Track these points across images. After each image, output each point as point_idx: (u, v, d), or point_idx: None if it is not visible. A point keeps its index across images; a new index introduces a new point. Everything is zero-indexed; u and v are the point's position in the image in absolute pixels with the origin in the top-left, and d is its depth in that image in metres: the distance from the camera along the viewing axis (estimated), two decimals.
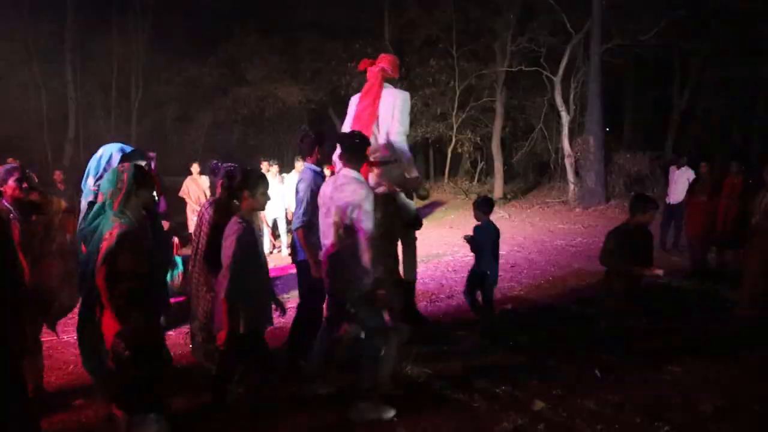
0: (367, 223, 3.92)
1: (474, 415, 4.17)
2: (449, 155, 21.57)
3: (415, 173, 5.34)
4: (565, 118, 18.12)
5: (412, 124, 20.51)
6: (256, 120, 20.21)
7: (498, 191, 19.47)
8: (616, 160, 18.05)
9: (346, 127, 5.16)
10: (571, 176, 18.02)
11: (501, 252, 7.91)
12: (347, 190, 4.02)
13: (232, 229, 3.75)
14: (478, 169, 22.40)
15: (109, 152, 4.50)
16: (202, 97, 19.65)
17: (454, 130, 20.47)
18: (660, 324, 6.12)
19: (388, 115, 5.12)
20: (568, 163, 18.13)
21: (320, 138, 5.01)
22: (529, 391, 4.55)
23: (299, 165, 10.94)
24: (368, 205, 3.94)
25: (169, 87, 19.69)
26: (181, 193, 10.96)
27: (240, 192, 3.89)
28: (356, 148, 4.19)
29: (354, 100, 5.37)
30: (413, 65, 20.65)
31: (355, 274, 3.96)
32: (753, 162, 16.06)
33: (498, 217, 15.41)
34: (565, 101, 18.25)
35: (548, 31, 18.18)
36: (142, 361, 3.38)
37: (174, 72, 19.32)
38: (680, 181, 10.13)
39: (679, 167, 10.37)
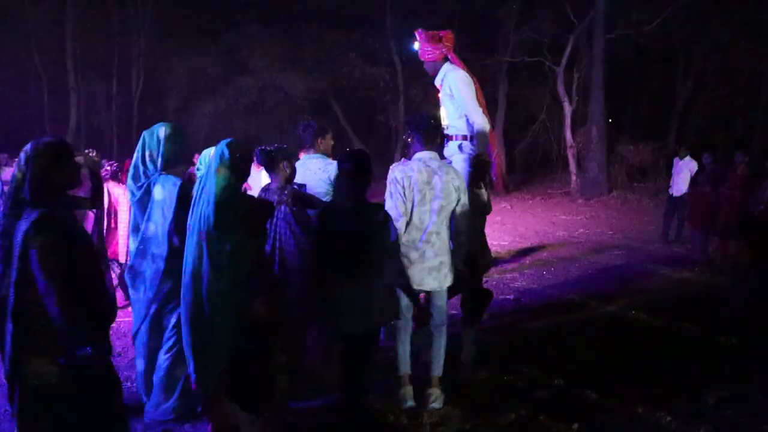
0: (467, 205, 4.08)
1: (477, 406, 4.17)
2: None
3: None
4: (568, 109, 18.06)
5: (413, 113, 20.57)
6: (258, 109, 20.17)
7: (500, 182, 19.43)
8: (619, 151, 18.02)
9: (476, 104, 4.95)
10: (573, 167, 17.98)
11: (503, 243, 7.93)
12: (451, 173, 4.01)
13: None
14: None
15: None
16: (203, 86, 19.60)
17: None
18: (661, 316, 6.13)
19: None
20: (570, 153, 18.09)
21: (322, 128, 4.96)
22: (531, 381, 4.55)
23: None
24: (465, 188, 4.08)
25: (171, 76, 19.64)
26: None
27: None
28: (433, 131, 4.13)
29: (467, 78, 5.01)
30: (414, 54, 20.54)
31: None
32: (756, 152, 16.01)
33: (500, 207, 15.40)
34: (568, 92, 18.18)
35: (551, 21, 18.07)
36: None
37: (175, 61, 19.25)
38: (683, 173, 10.08)
39: (682, 157, 10.32)
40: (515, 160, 21.79)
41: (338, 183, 3.78)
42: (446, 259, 4.03)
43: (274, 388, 3.24)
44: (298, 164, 4.38)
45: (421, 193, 3.91)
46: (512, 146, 21.47)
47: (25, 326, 2.66)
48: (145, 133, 3.99)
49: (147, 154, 3.91)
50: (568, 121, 18.11)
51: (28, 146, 2.73)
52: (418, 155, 4.04)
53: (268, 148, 4.12)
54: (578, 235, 11.36)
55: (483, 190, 4.91)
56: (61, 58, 18.34)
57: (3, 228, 2.71)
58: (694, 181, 9.46)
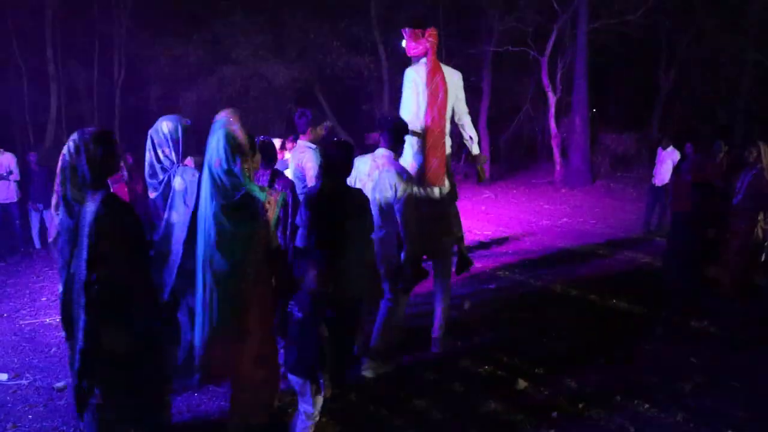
0: (402, 202, 4.24)
1: (458, 397, 4.20)
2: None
3: (478, 150, 5.43)
4: (552, 99, 18.09)
5: (397, 103, 20.50)
6: (242, 99, 19.99)
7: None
8: (602, 141, 18.10)
9: (410, 103, 4.99)
10: (557, 156, 18.05)
11: (487, 232, 7.96)
12: (391, 170, 4.30)
13: None
14: (465, 150, 22.36)
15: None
16: (186, 75, 19.38)
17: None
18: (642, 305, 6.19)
19: (453, 95, 5.08)
20: (554, 143, 18.15)
21: (318, 116, 5.15)
22: (512, 370, 4.59)
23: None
24: (402, 186, 4.24)
25: (153, 65, 19.40)
26: None
27: None
28: (399, 133, 4.45)
29: (415, 75, 5.03)
30: (399, 44, 20.47)
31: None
32: (737, 142, 16.15)
33: (484, 197, 15.46)
34: (552, 81, 18.20)
35: (535, 10, 18.06)
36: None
37: (157, 50, 19.02)
38: (666, 163, 10.16)
39: (665, 147, 10.40)
40: (499, 149, 21.82)
41: (324, 168, 3.99)
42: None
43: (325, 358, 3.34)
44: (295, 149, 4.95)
45: (362, 183, 4.45)
46: (496, 135, 21.49)
47: (97, 299, 2.92)
48: (152, 132, 4.17)
49: (159, 152, 4.09)
50: (552, 111, 18.15)
51: (75, 135, 3.04)
52: (377, 151, 4.50)
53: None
54: (561, 225, 11.42)
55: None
56: (41, 47, 18.06)
57: (67, 210, 3.00)
58: (676, 170, 9.52)
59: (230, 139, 3.26)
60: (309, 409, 3.31)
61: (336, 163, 3.88)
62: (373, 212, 4.14)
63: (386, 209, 4.29)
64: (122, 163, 10.83)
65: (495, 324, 5.69)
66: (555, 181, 17.66)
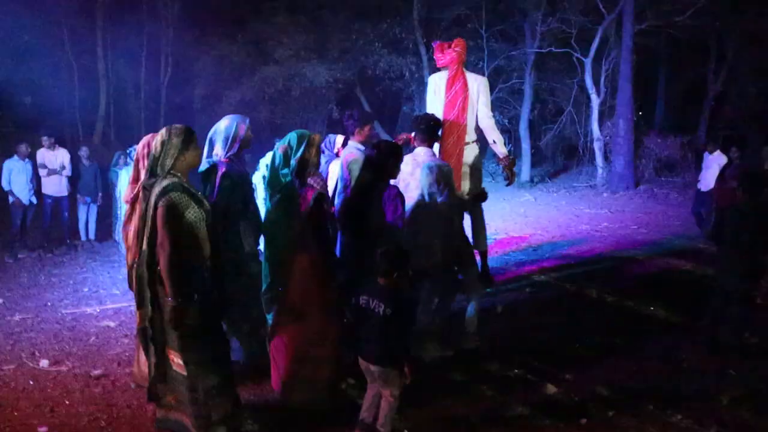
0: (444, 196, 4.44)
1: (485, 399, 4.17)
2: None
3: (505, 151, 5.62)
4: (595, 101, 17.78)
5: None
6: (284, 99, 20.21)
7: (525, 174, 19.25)
8: (647, 144, 17.70)
9: (433, 109, 5.35)
10: (599, 160, 17.73)
11: (525, 235, 7.91)
12: (434, 168, 4.45)
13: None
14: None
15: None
16: (230, 75, 19.70)
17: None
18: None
19: (474, 99, 5.39)
20: (596, 146, 17.83)
21: (366, 117, 5.25)
22: (542, 375, 4.54)
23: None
24: (449, 180, 4.46)
25: (198, 65, 19.79)
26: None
27: None
28: (432, 130, 4.69)
29: (437, 82, 5.49)
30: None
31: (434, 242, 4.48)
32: None
33: (524, 200, 15.30)
34: (596, 83, 17.88)
35: (579, 11, 17.78)
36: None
37: (202, 50, 19.39)
38: (712, 167, 9.85)
39: (711, 152, 10.09)
40: (541, 151, 21.56)
41: (364, 165, 4.26)
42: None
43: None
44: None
45: (405, 182, 4.58)
46: (538, 138, 21.25)
47: (154, 281, 3.30)
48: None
49: (208, 145, 4.45)
50: (595, 114, 17.84)
51: (163, 130, 3.42)
52: (415, 150, 4.71)
53: None
54: (601, 229, 11.21)
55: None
56: (92, 46, 18.60)
57: (142, 196, 3.40)
58: (721, 175, 9.25)
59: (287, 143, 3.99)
60: (395, 391, 3.50)
61: (374, 161, 4.15)
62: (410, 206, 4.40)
63: (428, 205, 4.44)
64: None
65: (527, 327, 5.64)
66: (597, 185, 17.34)
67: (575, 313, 6.14)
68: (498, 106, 20.55)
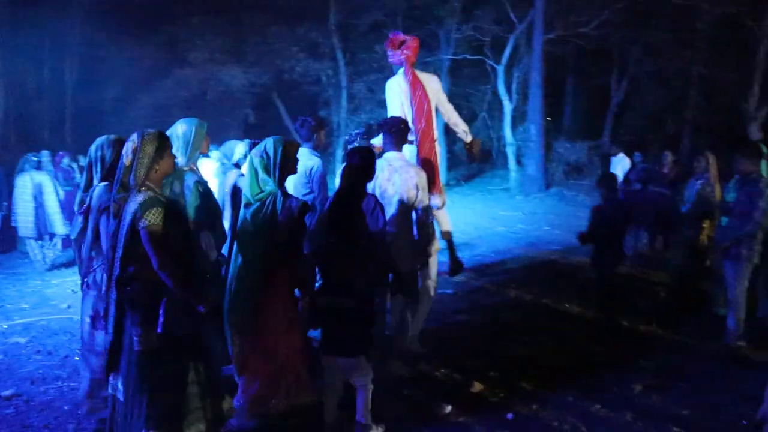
0: (426, 200, 4.55)
1: (413, 399, 4.23)
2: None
3: (471, 137, 5.81)
4: (508, 107, 18.40)
5: (356, 110, 20.45)
6: (199, 103, 19.73)
7: (441, 177, 19.62)
8: (557, 149, 18.48)
9: (397, 114, 5.22)
10: (512, 164, 18.35)
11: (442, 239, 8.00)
12: (410, 171, 4.50)
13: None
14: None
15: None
16: (142, 77, 19.05)
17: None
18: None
19: (434, 100, 5.42)
20: (509, 150, 18.45)
21: (321, 122, 5.10)
22: (467, 373, 4.65)
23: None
24: (425, 184, 4.53)
25: (107, 66, 19.00)
26: None
27: None
28: (403, 133, 4.66)
29: (398, 87, 5.34)
30: (358, 50, 20.56)
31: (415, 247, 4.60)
32: (685, 152, 16.71)
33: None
34: (508, 90, 18.51)
35: (492, 20, 18.36)
36: None
37: (112, 51, 18.64)
38: (616, 170, 10.43)
39: (615, 155, 10.67)
40: (456, 156, 22.05)
41: (344, 173, 4.07)
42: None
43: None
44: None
45: (381, 188, 4.46)
46: (453, 142, 21.72)
47: (128, 297, 3.06)
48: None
49: None
50: (508, 119, 18.46)
51: (134, 136, 3.13)
52: (386, 155, 4.59)
53: None
54: (517, 231, 11.62)
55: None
56: None
57: (113, 210, 3.13)
58: (626, 179, 9.78)
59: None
60: (369, 376, 3.68)
61: (357, 168, 4.00)
62: (391, 213, 4.41)
63: (405, 210, 4.48)
64: (74, 165, 10.59)
65: (450, 327, 5.76)
66: (510, 187, 17.94)
67: (496, 312, 6.33)
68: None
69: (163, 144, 3.19)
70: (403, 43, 5.34)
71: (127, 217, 3.03)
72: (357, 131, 5.08)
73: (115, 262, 3.08)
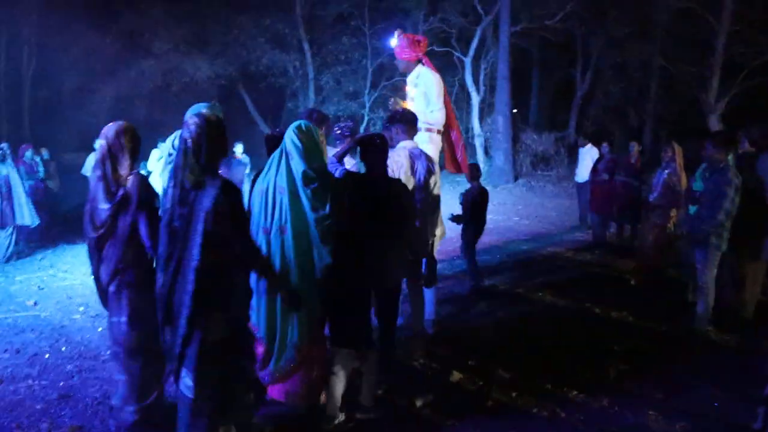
0: (437, 188, 4.83)
1: (393, 390, 4.24)
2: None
3: None
4: (475, 99, 18.53)
5: (323, 102, 20.34)
6: (162, 95, 19.40)
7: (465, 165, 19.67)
8: (524, 140, 18.68)
9: (422, 103, 5.61)
10: (480, 155, 18.49)
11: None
12: (429, 159, 4.80)
13: None
14: None
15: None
16: (103, 68, 18.62)
17: (367, 108, 20.48)
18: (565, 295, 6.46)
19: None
20: (477, 142, 18.58)
21: (323, 116, 5.12)
22: (445, 363, 4.68)
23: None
24: (435, 175, 4.80)
25: (67, 57, 18.50)
26: (83, 171, 10.40)
27: None
28: (415, 124, 4.93)
29: (428, 79, 5.61)
30: (325, 42, 20.45)
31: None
32: (647, 142, 17.07)
33: None
34: (476, 82, 18.64)
35: (459, 12, 18.44)
36: None
37: (71, 41, 18.16)
38: (585, 161, 10.54)
39: (583, 146, 10.79)
40: None
41: (365, 158, 4.02)
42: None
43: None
44: None
45: (406, 176, 4.60)
46: None
47: (206, 286, 2.95)
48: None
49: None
50: (475, 111, 18.59)
51: (196, 119, 3.00)
52: (402, 144, 4.76)
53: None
54: (486, 221, 11.67)
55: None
56: None
57: (180, 198, 2.98)
58: (594, 169, 9.92)
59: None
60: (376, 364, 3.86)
61: (380, 150, 4.04)
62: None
63: (425, 196, 4.70)
64: (37, 159, 10.31)
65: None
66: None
67: (470, 302, 6.38)
68: (381, 103, 20.88)
69: (224, 127, 3.13)
70: (419, 42, 5.75)
71: (205, 204, 2.93)
72: (344, 124, 5.05)
73: (192, 252, 2.94)
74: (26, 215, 8.67)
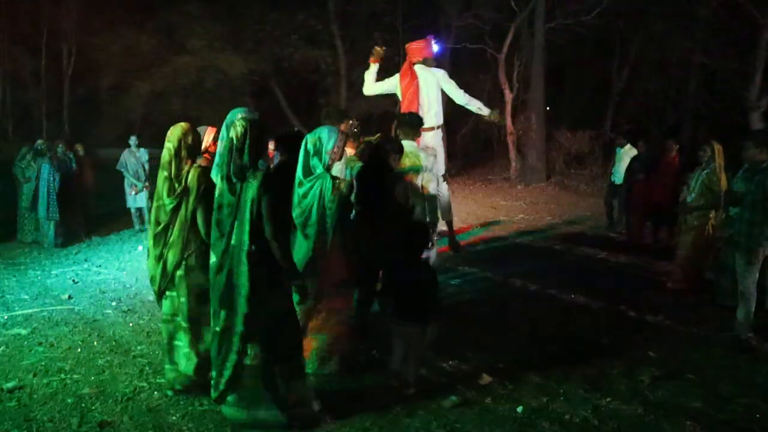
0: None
1: (422, 391, 4.18)
2: (393, 130, 21.50)
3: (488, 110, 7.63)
4: (508, 96, 18.28)
5: (354, 99, 20.32)
6: (197, 91, 19.58)
7: (441, 167, 19.52)
8: (557, 138, 18.39)
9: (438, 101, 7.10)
10: (513, 153, 18.26)
11: (443, 227, 8.03)
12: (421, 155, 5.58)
13: None
14: None
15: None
16: (139, 65, 18.86)
17: (398, 106, 20.39)
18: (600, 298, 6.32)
19: (432, 89, 6.97)
20: (510, 140, 18.35)
21: (343, 113, 5.58)
22: (476, 365, 4.61)
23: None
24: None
25: (104, 55, 18.78)
26: (118, 167, 10.55)
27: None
28: (416, 124, 5.79)
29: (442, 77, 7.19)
30: (358, 38, 20.39)
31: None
32: (685, 141, 16.64)
33: None
34: (509, 79, 18.39)
35: (493, 8, 18.20)
36: None
37: (108, 39, 18.44)
38: (624, 160, 10.23)
39: (622, 146, 10.48)
40: (456, 145, 21.95)
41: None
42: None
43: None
44: None
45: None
46: (454, 132, 21.61)
47: (260, 268, 3.45)
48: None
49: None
50: (508, 108, 18.34)
51: (243, 122, 3.48)
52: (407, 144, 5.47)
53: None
54: (518, 221, 11.55)
55: None
56: None
57: (229, 187, 3.47)
58: (629, 168, 9.68)
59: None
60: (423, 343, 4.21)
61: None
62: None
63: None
64: (71, 155, 10.49)
65: (458, 318, 5.70)
66: (511, 177, 17.86)
67: (502, 302, 6.29)
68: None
69: (266, 129, 3.62)
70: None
71: (250, 194, 3.41)
72: (352, 122, 5.53)
73: (242, 239, 3.43)
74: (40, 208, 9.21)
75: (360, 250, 4.47)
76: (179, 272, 4.00)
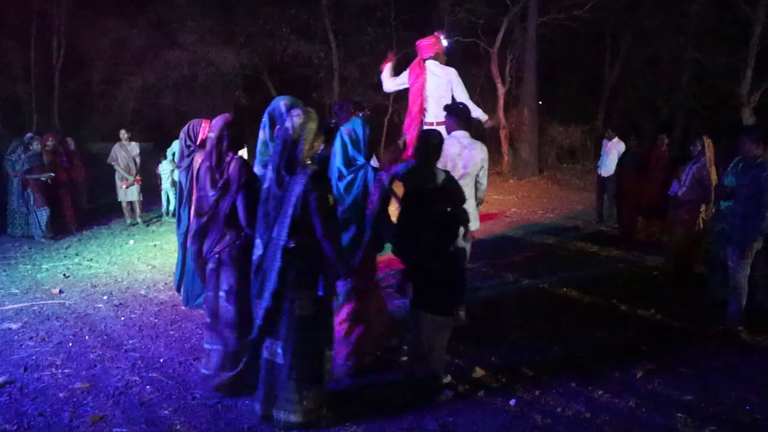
0: (484, 174, 5.28)
1: (415, 384, 4.19)
2: (386, 125, 21.49)
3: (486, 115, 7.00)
4: (501, 90, 18.31)
5: (347, 93, 20.25)
6: (189, 85, 19.48)
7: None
8: (549, 132, 18.43)
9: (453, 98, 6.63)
10: (505, 147, 18.29)
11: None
12: (477, 147, 5.12)
13: None
14: None
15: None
16: (130, 59, 18.75)
17: (391, 99, 20.35)
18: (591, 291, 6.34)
19: (442, 86, 6.73)
20: (503, 134, 18.38)
21: (357, 106, 5.49)
22: (469, 359, 4.62)
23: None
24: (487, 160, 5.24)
25: (95, 48, 18.64)
26: (109, 160, 10.48)
27: None
28: (468, 114, 5.38)
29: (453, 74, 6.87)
30: (350, 32, 20.33)
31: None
32: (677, 136, 16.72)
33: None
34: (501, 73, 18.41)
35: (486, 2, 18.19)
36: None
37: (99, 32, 18.30)
38: (612, 153, 10.32)
39: (610, 139, 10.56)
40: None
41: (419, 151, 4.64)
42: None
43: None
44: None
45: (453, 162, 5.03)
46: None
47: (294, 266, 3.39)
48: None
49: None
50: (501, 102, 18.37)
51: (299, 112, 3.41)
52: (454, 133, 5.19)
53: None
54: (511, 214, 11.58)
55: None
56: None
57: (277, 180, 3.39)
58: (620, 162, 9.72)
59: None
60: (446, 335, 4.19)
61: (431, 148, 4.55)
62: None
63: (471, 182, 5.15)
64: (61, 149, 10.40)
65: None
66: (503, 171, 17.90)
67: (494, 297, 6.30)
68: (406, 93, 20.67)
69: (321, 122, 3.48)
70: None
71: (297, 189, 3.32)
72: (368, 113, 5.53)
73: (281, 233, 3.37)
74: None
75: (403, 248, 4.30)
76: (210, 266, 3.93)
